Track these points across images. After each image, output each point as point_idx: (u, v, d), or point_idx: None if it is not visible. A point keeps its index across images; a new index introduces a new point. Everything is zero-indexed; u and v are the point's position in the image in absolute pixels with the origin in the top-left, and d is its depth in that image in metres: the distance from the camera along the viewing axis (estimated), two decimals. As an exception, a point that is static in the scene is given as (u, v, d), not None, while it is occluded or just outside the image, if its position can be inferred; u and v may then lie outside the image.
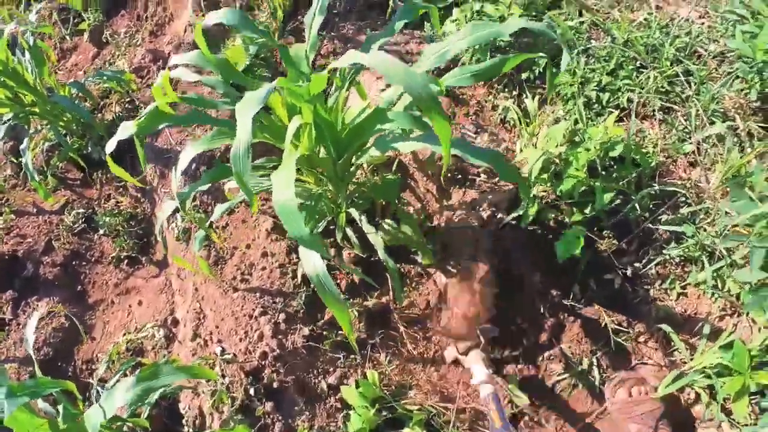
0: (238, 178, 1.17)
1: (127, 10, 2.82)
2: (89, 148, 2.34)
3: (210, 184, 1.65)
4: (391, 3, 2.26)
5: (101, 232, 2.29)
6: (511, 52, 2.25)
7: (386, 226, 1.86)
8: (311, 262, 1.38)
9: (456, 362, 1.91)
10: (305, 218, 1.63)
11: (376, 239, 1.73)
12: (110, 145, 1.55)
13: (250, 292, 1.95)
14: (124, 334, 2.12)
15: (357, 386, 1.78)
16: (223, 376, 1.84)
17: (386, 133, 1.56)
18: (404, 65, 1.17)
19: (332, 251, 1.99)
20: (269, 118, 1.69)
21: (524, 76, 2.24)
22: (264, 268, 1.98)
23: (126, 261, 2.26)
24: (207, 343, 1.96)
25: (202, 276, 2.01)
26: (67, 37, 2.82)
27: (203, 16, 2.56)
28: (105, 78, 2.29)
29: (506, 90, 2.27)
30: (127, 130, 1.51)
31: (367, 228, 1.75)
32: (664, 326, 1.88)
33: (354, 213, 1.82)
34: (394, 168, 2.04)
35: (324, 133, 1.59)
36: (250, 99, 1.22)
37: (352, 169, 1.78)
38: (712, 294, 1.92)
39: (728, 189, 1.94)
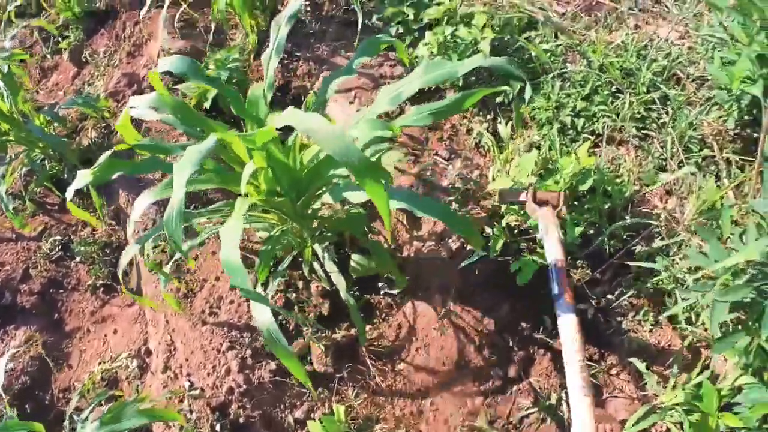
0: (172, 241, 1.16)
1: (107, 29, 2.81)
2: (65, 174, 2.35)
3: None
4: (359, 23, 2.22)
5: (77, 259, 2.30)
6: (478, 83, 2.21)
7: (355, 260, 1.85)
8: (261, 316, 1.38)
9: (514, 202, 1.87)
10: (269, 254, 1.62)
11: (339, 279, 1.72)
12: (69, 193, 1.55)
13: (218, 326, 1.96)
14: (100, 363, 2.14)
15: (321, 422, 1.78)
16: (191, 412, 1.85)
17: (340, 180, 1.54)
18: (335, 130, 1.15)
19: (300, 284, 1.98)
20: (229, 155, 1.68)
21: (498, 99, 2.20)
22: (232, 302, 1.98)
23: (102, 289, 2.28)
24: (177, 376, 1.98)
25: (174, 309, 2.02)
26: (48, 56, 2.82)
27: (179, 38, 2.55)
28: (79, 103, 2.29)
29: (481, 114, 2.23)
30: (83, 179, 1.51)
31: (329, 267, 1.74)
32: (635, 360, 1.85)
33: (317, 249, 1.81)
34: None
35: (280, 175, 1.58)
36: (189, 158, 1.21)
37: (314, 206, 1.77)
38: (685, 328, 1.89)
39: (703, 221, 1.90)
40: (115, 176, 1.47)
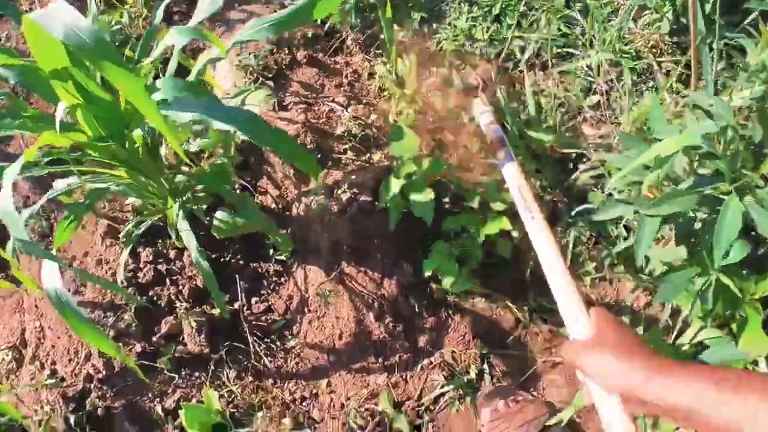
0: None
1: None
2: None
3: None
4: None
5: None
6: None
7: (218, 217, 1.58)
8: (48, 277, 1.14)
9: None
10: (78, 208, 1.37)
11: (189, 238, 1.45)
12: None
13: (83, 306, 1.72)
14: (-21, 360, 1.92)
15: (185, 411, 1.51)
16: (47, 404, 1.61)
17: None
18: (69, 12, 0.90)
19: (172, 253, 1.73)
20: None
21: (401, 35, 1.92)
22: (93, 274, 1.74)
23: (-17, 278, 2.08)
24: (43, 365, 1.74)
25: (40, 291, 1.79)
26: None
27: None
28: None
29: (384, 54, 1.95)
30: None
31: (181, 225, 1.48)
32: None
33: (175, 208, 1.55)
34: (233, 153, 1.75)
35: (98, 112, 1.33)
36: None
37: (163, 155, 1.52)
38: (628, 276, 1.55)
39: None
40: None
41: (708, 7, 1.40)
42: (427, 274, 1.59)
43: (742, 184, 0.92)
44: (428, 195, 1.55)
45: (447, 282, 1.56)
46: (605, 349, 0.68)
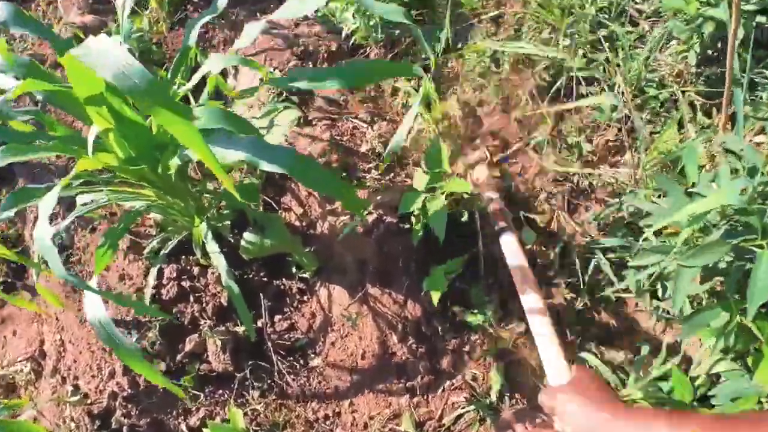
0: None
1: (28, 8, 2.63)
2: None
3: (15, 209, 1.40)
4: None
5: (-22, 259, 2.11)
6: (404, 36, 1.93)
7: (246, 238, 1.59)
8: (92, 307, 1.14)
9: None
10: (115, 233, 1.37)
11: (219, 260, 1.46)
12: None
13: (106, 321, 1.72)
14: (-2, 369, 1.93)
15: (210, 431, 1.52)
16: (72, 420, 1.62)
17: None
18: (120, 53, 0.89)
19: (196, 270, 1.73)
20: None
21: (424, 54, 1.91)
22: (120, 294, 1.74)
23: (2, 287, 2.06)
24: (65, 379, 1.75)
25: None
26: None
27: (88, 12, 2.34)
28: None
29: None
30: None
31: (210, 247, 1.49)
32: (587, 355, 1.55)
33: (203, 228, 1.56)
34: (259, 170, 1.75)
35: (129, 136, 1.33)
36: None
37: (190, 175, 1.52)
38: (649, 306, 1.58)
39: (664, 166, 1.58)
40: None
41: (736, 43, 1.41)
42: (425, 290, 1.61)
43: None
44: (443, 207, 1.53)
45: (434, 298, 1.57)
46: (577, 395, 0.75)
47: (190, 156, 1.20)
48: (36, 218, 2.01)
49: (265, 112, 1.64)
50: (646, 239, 1.29)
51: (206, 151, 0.90)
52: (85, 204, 1.51)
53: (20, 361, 1.91)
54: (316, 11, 2.05)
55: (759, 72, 1.56)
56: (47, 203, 1.15)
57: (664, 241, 1.29)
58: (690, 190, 1.12)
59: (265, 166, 1.05)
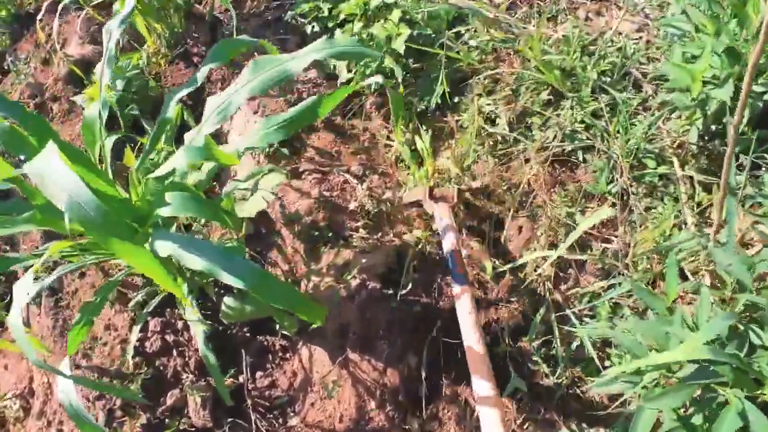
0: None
1: (31, 33, 2.64)
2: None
3: None
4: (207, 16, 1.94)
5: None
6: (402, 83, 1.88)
7: (227, 303, 1.58)
8: (63, 387, 1.15)
9: (414, 204, 1.80)
10: (91, 307, 1.37)
11: (196, 329, 1.46)
12: None
13: (90, 370, 1.74)
14: (-11, 402, 1.97)
15: (185, 492, 1.54)
16: (53, 469, 1.65)
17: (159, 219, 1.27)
18: (68, 174, 0.88)
19: (179, 324, 1.74)
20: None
21: (421, 107, 1.88)
22: (105, 344, 1.75)
23: (-6, 323, 2.11)
24: (50, 423, 1.78)
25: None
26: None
27: (87, 43, 2.33)
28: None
29: (402, 122, 1.91)
30: None
31: (189, 314, 1.49)
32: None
33: (184, 289, 1.56)
34: (246, 224, 1.75)
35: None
36: None
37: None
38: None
39: (656, 253, 1.53)
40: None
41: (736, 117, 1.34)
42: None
43: (742, 385, 0.91)
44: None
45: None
46: None
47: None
48: (30, 250, 2.04)
49: (249, 175, 1.62)
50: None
51: (166, 280, 0.89)
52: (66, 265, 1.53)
53: (10, 398, 1.95)
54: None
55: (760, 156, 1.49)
56: (21, 289, 1.16)
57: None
58: (668, 318, 1.07)
59: (225, 278, 1.04)
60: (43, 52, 2.46)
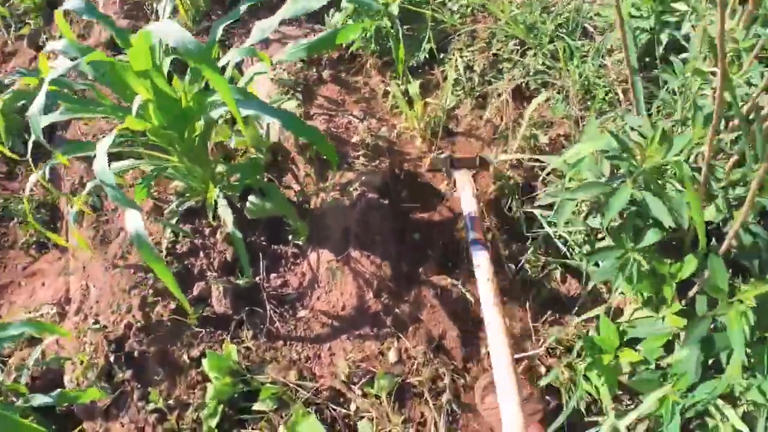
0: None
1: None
2: (11, 143, 2.49)
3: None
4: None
5: (15, 220, 2.42)
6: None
7: (251, 200, 1.90)
8: (131, 221, 1.45)
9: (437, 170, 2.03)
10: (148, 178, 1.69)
11: (225, 212, 1.77)
12: None
13: (127, 268, 2.02)
14: (27, 313, 2.21)
15: (208, 358, 1.80)
16: (90, 344, 1.90)
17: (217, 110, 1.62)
18: (177, 27, 1.24)
19: (207, 230, 2.04)
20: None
21: (412, 63, 2.26)
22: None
23: (34, 246, 2.37)
24: (86, 317, 2.03)
25: (90, 255, 2.10)
26: (9, 42, 3.03)
27: (123, 18, 2.71)
28: (20, 76, 2.43)
29: (397, 77, 2.29)
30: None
31: (221, 205, 1.80)
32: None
33: (216, 192, 1.87)
34: (265, 152, 2.08)
35: (163, 106, 1.66)
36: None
37: (209, 146, 1.85)
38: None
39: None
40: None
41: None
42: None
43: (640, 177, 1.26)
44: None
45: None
46: None
47: (213, 117, 1.52)
48: (71, 182, 2.35)
49: (272, 101, 1.98)
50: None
51: (229, 96, 1.23)
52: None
53: (47, 304, 2.20)
54: (323, 24, 2.41)
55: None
56: (104, 143, 1.46)
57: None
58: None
59: (269, 119, 1.38)
60: (77, 28, 2.83)
